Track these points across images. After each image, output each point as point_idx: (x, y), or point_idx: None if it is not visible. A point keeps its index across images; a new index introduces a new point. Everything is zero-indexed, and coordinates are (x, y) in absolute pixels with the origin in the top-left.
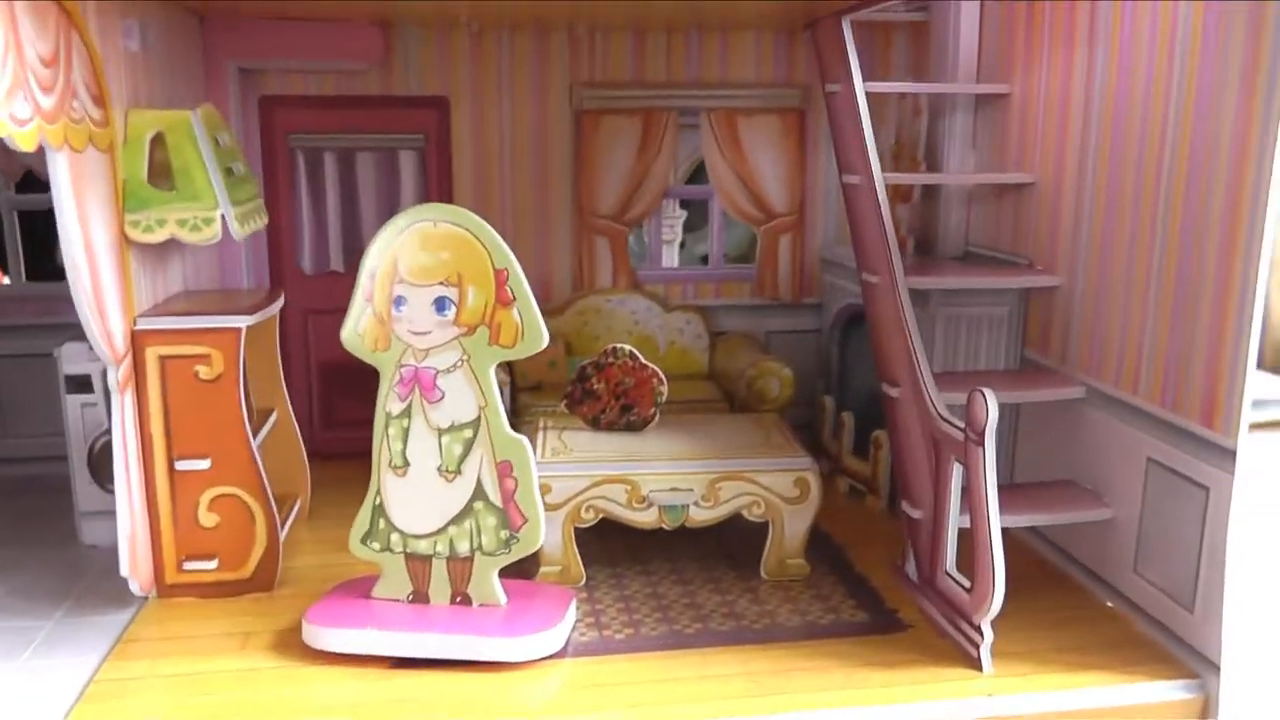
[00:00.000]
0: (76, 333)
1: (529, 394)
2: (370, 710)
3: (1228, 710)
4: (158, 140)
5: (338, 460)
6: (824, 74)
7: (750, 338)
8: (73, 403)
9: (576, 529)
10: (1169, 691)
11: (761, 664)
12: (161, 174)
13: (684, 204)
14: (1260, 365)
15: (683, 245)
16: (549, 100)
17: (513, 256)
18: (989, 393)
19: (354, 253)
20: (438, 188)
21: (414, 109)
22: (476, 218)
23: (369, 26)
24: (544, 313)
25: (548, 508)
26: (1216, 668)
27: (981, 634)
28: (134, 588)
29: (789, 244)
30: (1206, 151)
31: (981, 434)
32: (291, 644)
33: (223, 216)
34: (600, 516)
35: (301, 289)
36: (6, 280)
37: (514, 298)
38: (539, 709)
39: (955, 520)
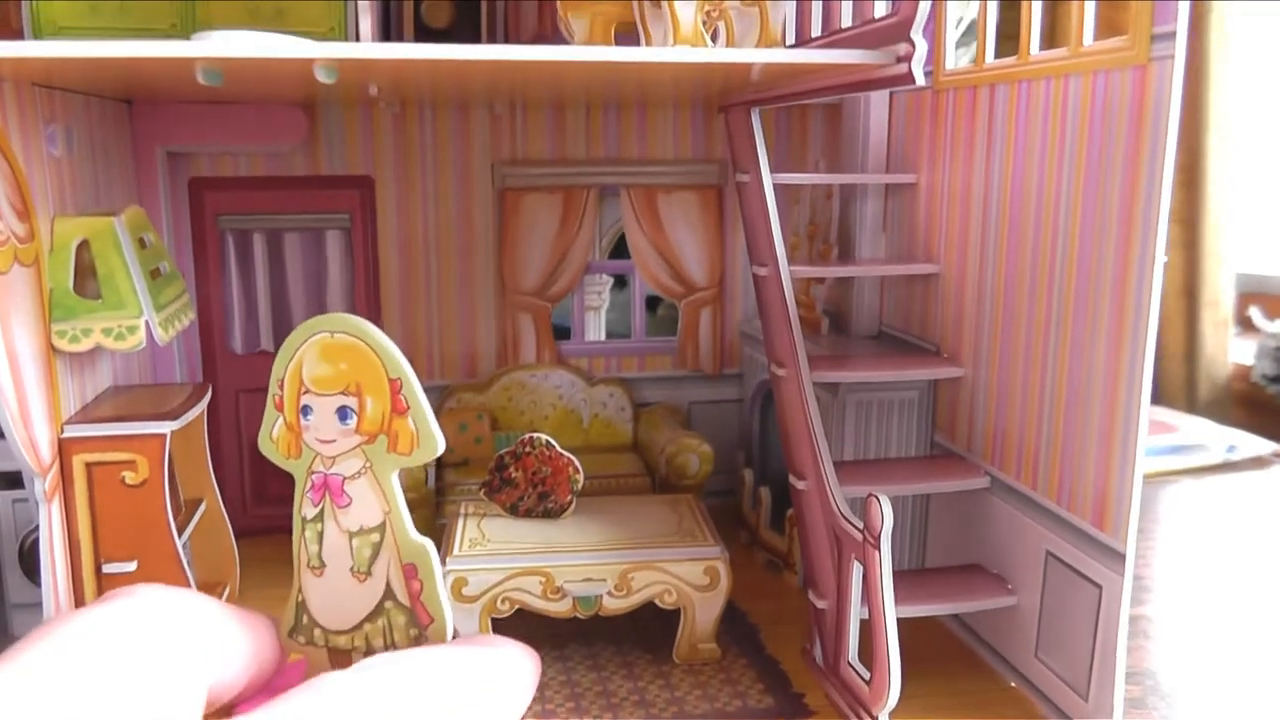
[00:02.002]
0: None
1: (454, 470)
2: None
3: None
4: (84, 244)
5: (269, 536)
6: (735, 162)
7: (673, 409)
8: (3, 499)
9: (494, 618)
10: None
11: None
12: (89, 273)
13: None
14: (1194, 405)
15: (624, 285)
16: (471, 178)
17: (406, 366)
18: (884, 498)
19: (283, 332)
20: (364, 266)
21: (339, 189)
22: (371, 328)
23: (292, 108)
24: (469, 389)
25: (465, 600)
26: None
27: None
28: None
29: (709, 317)
30: (1093, 256)
31: (878, 537)
32: None
33: (147, 323)
34: (516, 607)
35: (232, 368)
36: None
37: (408, 406)
38: None
39: (856, 613)
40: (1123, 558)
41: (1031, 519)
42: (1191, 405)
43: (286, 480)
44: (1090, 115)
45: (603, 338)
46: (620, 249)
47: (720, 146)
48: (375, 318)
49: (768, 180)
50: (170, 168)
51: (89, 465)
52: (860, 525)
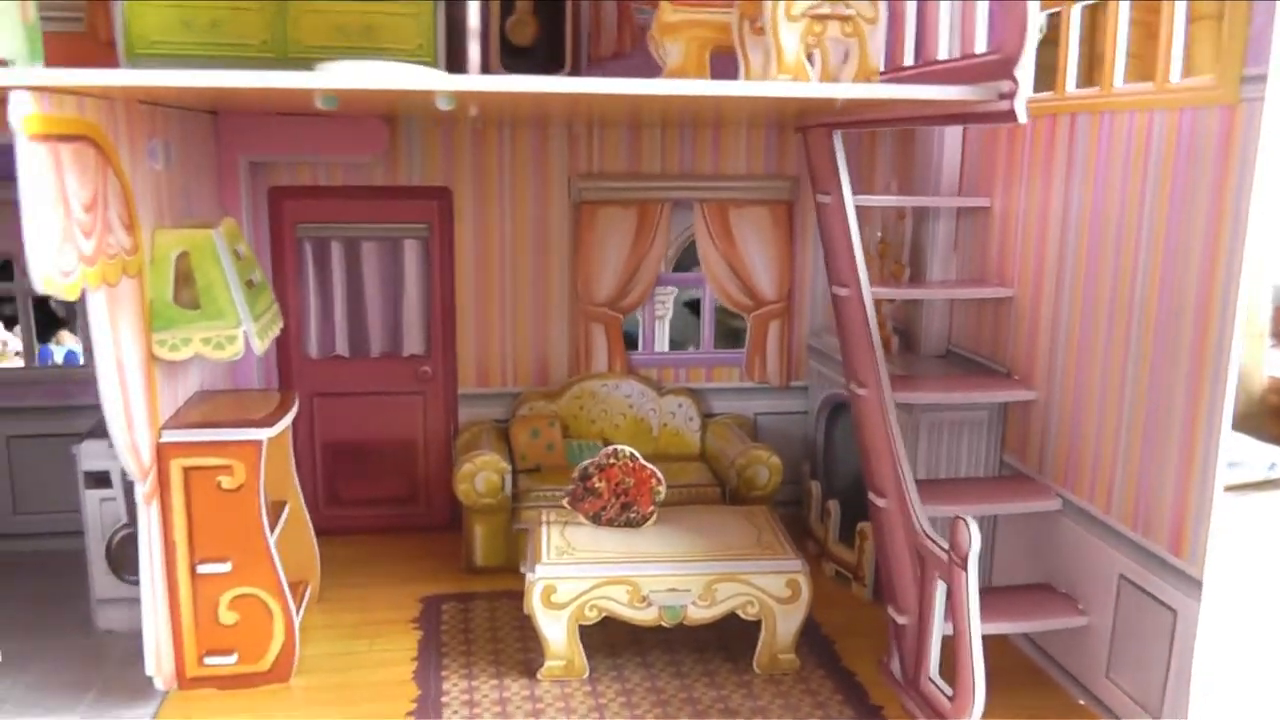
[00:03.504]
0: (92, 426)
1: (527, 477)
2: None
3: None
4: (182, 254)
5: (341, 537)
6: (814, 182)
7: (740, 420)
8: (92, 497)
9: (581, 625)
10: None
11: None
12: (185, 282)
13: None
14: (1231, 421)
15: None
16: (548, 192)
17: None
18: (972, 521)
19: (359, 338)
20: (440, 275)
21: (418, 199)
22: None
23: (374, 120)
24: (541, 396)
25: (553, 607)
26: None
27: None
28: (157, 684)
29: (777, 330)
30: (1177, 278)
31: (964, 559)
32: None
33: (245, 333)
34: (603, 615)
35: (308, 373)
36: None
37: None
38: None
39: (939, 630)
40: (1200, 585)
41: (1104, 542)
42: None
43: (360, 483)
44: (1175, 152)
45: (667, 348)
46: (683, 260)
47: (791, 163)
48: (450, 325)
49: (850, 202)
50: (252, 176)
51: (186, 470)
52: (945, 546)
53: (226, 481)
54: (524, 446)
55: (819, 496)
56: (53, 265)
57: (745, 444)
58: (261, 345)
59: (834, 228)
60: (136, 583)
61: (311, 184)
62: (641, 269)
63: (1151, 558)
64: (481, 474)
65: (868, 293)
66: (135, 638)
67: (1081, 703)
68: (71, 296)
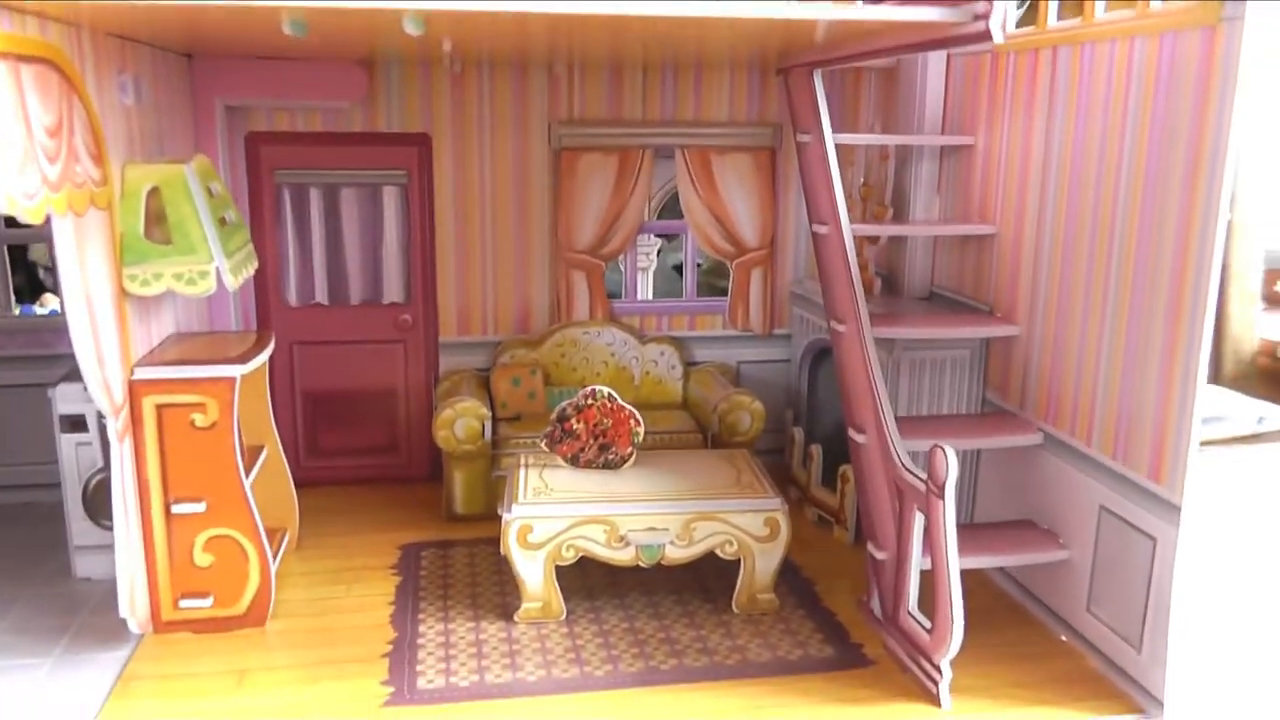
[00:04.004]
0: (68, 371)
1: (508, 425)
2: None
3: None
4: (153, 191)
5: (322, 488)
6: (795, 123)
7: (723, 368)
8: (67, 442)
9: (557, 566)
10: None
11: (734, 701)
12: (157, 220)
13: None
14: (1218, 378)
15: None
16: (528, 138)
17: None
18: (949, 449)
19: (338, 286)
20: (420, 222)
21: (397, 145)
22: None
23: (352, 65)
24: (522, 344)
25: (530, 546)
26: (1161, 704)
27: (941, 672)
28: (132, 627)
29: (760, 277)
30: (1157, 208)
31: (942, 487)
32: (285, 682)
33: (217, 269)
34: (580, 555)
35: (287, 321)
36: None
37: None
38: None
39: (918, 564)
40: (1178, 510)
41: (1085, 474)
42: (1216, 379)
43: (339, 432)
44: (1156, 76)
45: (650, 297)
46: (671, 204)
47: (774, 109)
48: (430, 273)
49: (830, 140)
50: (228, 122)
51: (159, 407)
52: (923, 477)
53: (200, 419)
54: (505, 395)
55: (801, 442)
56: (15, 185)
57: (728, 389)
58: (234, 282)
59: (814, 165)
60: (113, 528)
61: (290, 130)
62: (623, 216)
63: (1132, 487)
64: (461, 420)
65: (847, 229)
66: (112, 584)
67: (1063, 637)
68: (35, 220)
